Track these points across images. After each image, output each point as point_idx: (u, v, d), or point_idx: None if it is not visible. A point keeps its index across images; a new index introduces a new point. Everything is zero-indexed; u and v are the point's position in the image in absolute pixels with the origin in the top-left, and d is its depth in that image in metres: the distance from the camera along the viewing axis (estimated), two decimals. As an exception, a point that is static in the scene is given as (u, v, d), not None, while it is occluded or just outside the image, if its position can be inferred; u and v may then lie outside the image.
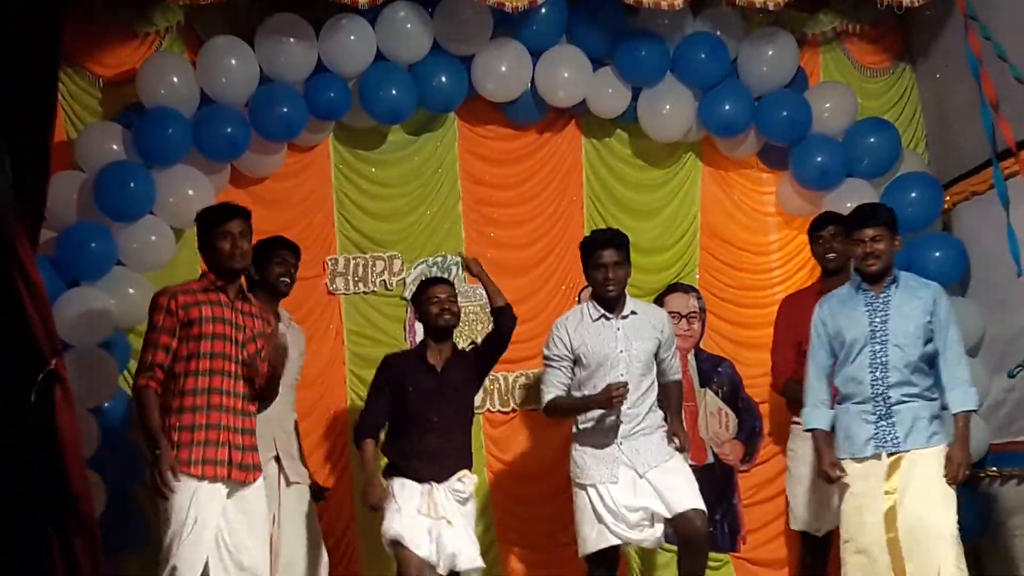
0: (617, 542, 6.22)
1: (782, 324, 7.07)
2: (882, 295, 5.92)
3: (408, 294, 7.57)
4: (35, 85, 6.01)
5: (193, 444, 5.40)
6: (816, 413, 6.07)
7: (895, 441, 5.81)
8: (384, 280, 7.68)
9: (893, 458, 5.81)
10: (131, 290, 6.91)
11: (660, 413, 6.40)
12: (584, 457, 6.31)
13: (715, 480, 7.66)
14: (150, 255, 7.07)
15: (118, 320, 6.88)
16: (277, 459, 6.32)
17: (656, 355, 6.40)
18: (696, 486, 6.22)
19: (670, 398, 6.54)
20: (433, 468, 6.24)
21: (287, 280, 6.50)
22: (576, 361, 6.36)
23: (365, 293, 7.70)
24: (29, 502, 5.57)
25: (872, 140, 7.65)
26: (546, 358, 6.49)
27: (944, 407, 5.92)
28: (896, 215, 6.09)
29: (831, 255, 6.88)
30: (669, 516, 6.14)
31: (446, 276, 7.46)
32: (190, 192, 7.09)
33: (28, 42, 5.93)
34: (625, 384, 6.08)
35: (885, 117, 7.87)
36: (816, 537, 6.88)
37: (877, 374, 5.86)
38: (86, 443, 6.47)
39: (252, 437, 5.61)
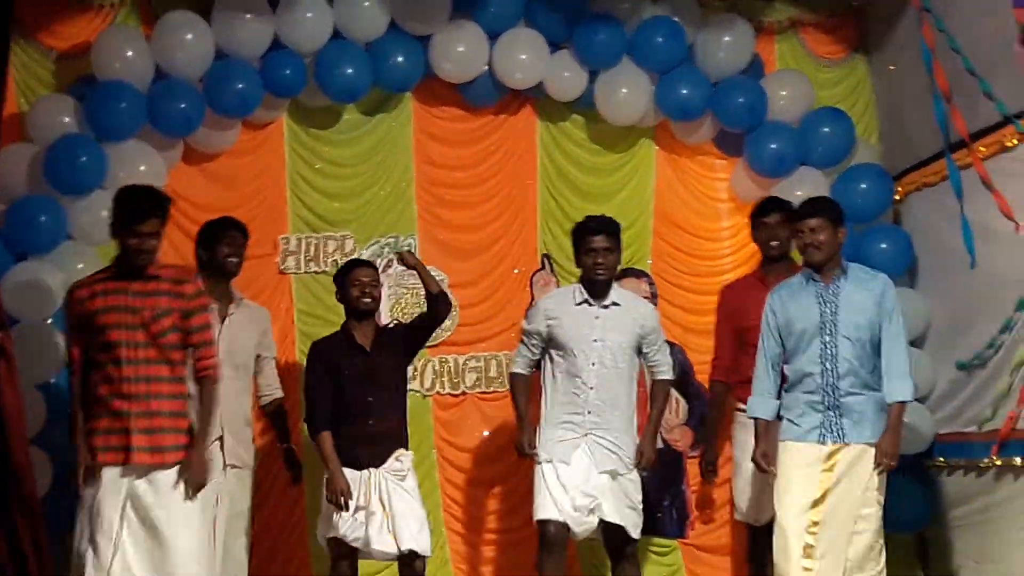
0: (559, 517, 6.14)
1: (721, 313, 7.06)
2: (831, 286, 5.93)
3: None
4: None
5: (98, 432, 5.35)
6: (761, 402, 6.09)
7: (840, 432, 5.81)
8: (336, 260, 7.60)
9: (832, 447, 5.83)
10: (80, 265, 6.82)
11: (633, 419, 6.37)
12: (545, 434, 6.26)
13: (664, 465, 7.61)
14: (101, 230, 6.92)
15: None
16: (220, 440, 6.27)
17: (639, 350, 6.36)
18: (634, 515, 6.26)
19: (653, 399, 6.54)
20: (373, 452, 6.20)
21: (235, 260, 6.46)
22: (550, 340, 6.30)
23: (316, 273, 7.68)
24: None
25: (827, 129, 7.70)
26: (522, 330, 6.48)
27: None
28: (840, 207, 6.10)
29: (774, 242, 6.82)
30: (601, 519, 6.18)
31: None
32: (142, 167, 7.04)
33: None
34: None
35: (839, 107, 7.90)
36: (757, 527, 6.89)
37: (827, 365, 5.85)
38: (32, 420, 6.44)
39: (172, 419, 5.44)
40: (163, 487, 5.37)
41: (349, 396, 6.25)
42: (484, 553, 7.69)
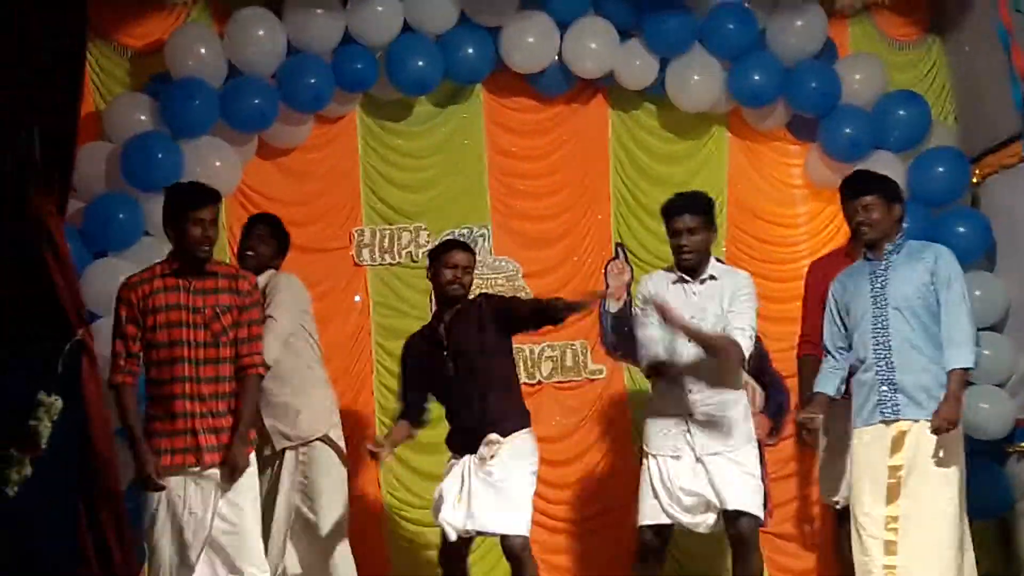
0: (668, 522, 6.03)
1: (809, 288, 6.97)
2: (883, 262, 5.86)
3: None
4: (64, 56, 6.03)
5: (162, 435, 5.35)
6: (824, 378, 6.02)
7: (895, 408, 5.72)
8: (410, 252, 7.69)
9: (898, 430, 5.75)
10: (158, 261, 6.89)
11: (742, 398, 6.20)
12: (650, 425, 6.12)
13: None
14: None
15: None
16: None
17: None
18: (752, 483, 6.05)
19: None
20: (466, 441, 6.04)
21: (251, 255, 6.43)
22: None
23: (391, 264, 7.72)
24: (56, 472, 5.61)
25: (902, 113, 7.62)
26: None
27: None
28: (895, 183, 6.01)
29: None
30: (720, 509, 5.98)
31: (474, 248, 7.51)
32: (217, 163, 7.12)
33: (56, 13, 5.95)
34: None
35: (914, 90, 7.81)
36: (837, 510, 6.78)
37: (879, 339, 5.79)
38: (114, 414, 6.51)
39: (231, 417, 5.45)
40: (235, 485, 5.42)
41: (435, 390, 6.18)
42: (558, 542, 7.70)
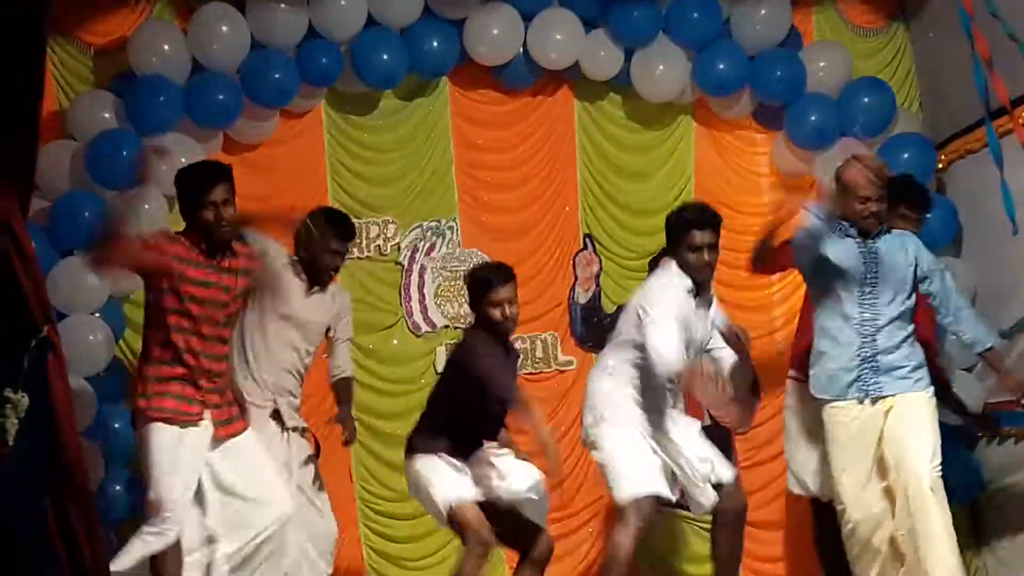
0: (669, 495, 5.88)
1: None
2: (873, 244, 5.94)
3: (403, 259, 7.64)
4: (24, 53, 5.98)
5: (169, 395, 5.53)
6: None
7: (877, 386, 5.86)
8: (378, 245, 7.70)
9: (879, 405, 5.85)
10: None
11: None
12: (630, 400, 5.95)
13: (713, 442, 7.65)
14: (144, 223, 7.04)
15: (112, 289, 6.88)
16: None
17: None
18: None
19: None
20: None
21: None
22: None
23: (359, 258, 7.69)
24: (24, 472, 5.57)
25: (867, 100, 7.64)
26: (669, 313, 5.86)
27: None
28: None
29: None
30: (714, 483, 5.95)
31: (441, 240, 7.54)
32: (183, 160, 7.03)
33: (16, 9, 5.90)
34: None
35: (879, 77, 7.83)
36: (822, 503, 6.61)
37: (867, 315, 5.89)
38: (83, 413, 6.50)
39: (230, 393, 5.79)
40: (235, 454, 5.68)
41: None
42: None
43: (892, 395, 5.90)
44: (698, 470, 5.92)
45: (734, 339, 5.96)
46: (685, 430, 6.02)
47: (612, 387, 6.01)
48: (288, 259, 6.28)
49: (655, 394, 5.95)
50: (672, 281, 5.90)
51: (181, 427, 5.54)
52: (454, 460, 5.73)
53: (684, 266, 5.89)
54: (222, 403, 5.68)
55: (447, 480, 5.67)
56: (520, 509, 5.82)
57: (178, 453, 5.52)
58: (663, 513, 6.44)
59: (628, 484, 5.80)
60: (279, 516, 5.72)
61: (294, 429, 6.35)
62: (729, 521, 6.03)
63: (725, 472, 5.98)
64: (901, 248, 5.98)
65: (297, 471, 6.29)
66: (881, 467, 5.91)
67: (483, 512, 5.62)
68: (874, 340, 5.89)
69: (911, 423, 5.84)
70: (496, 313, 5.67)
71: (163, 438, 5.52)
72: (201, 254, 5.59)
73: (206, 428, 5.61)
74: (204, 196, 5.55)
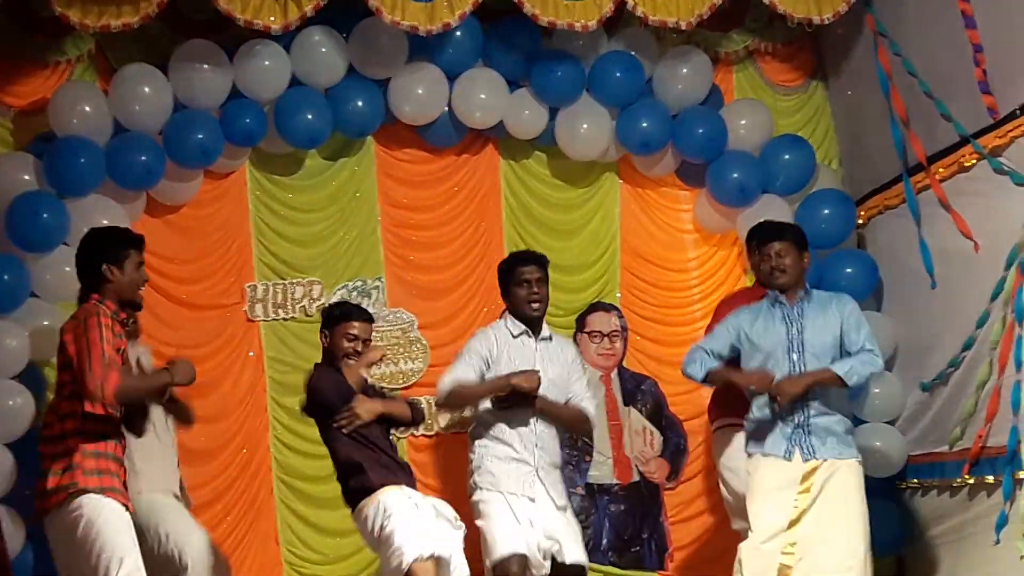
0: (526, 552, 5.95)
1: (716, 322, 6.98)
2: (796, 307, 6.04)
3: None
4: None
5: (99, 472, 5.23)
6: (706, 363, 6.22)
7: (810, 449, 5.95)
8: (303, 306, 7.63)
9: (809, 467, 5.91)
10: (45, 322, 6.79)
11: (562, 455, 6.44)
12: (495, 462, 6.17)
13: (641, 498, 7.67)
14: (65, 286, 6.91)
15: (33, 353, 6.76)
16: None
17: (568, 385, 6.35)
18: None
19: None
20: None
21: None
22: (488, 368, 6.25)
23: (285, 319, 7.65)
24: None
25: (787, 157, 7.71)
26: (465, 350, 6.32)
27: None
28: (803, 232, 6.21)
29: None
30: (559, 561, 6.03)
31: (367, 300, 7.51)
32: (104, 222, 6.94)
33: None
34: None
35: (799, 134, 7.94)
36: None
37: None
38: (1, 479, 6.39)
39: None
40: None
41: None
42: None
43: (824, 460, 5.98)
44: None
45: None
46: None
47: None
48: None
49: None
50: (491, 325, 6.42)
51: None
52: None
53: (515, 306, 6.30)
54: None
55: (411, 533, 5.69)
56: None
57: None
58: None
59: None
60: None
61: None
62: None
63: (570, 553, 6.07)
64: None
65: None
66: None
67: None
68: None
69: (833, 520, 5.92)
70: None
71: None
72: (117, 322, 5.40)
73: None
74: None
